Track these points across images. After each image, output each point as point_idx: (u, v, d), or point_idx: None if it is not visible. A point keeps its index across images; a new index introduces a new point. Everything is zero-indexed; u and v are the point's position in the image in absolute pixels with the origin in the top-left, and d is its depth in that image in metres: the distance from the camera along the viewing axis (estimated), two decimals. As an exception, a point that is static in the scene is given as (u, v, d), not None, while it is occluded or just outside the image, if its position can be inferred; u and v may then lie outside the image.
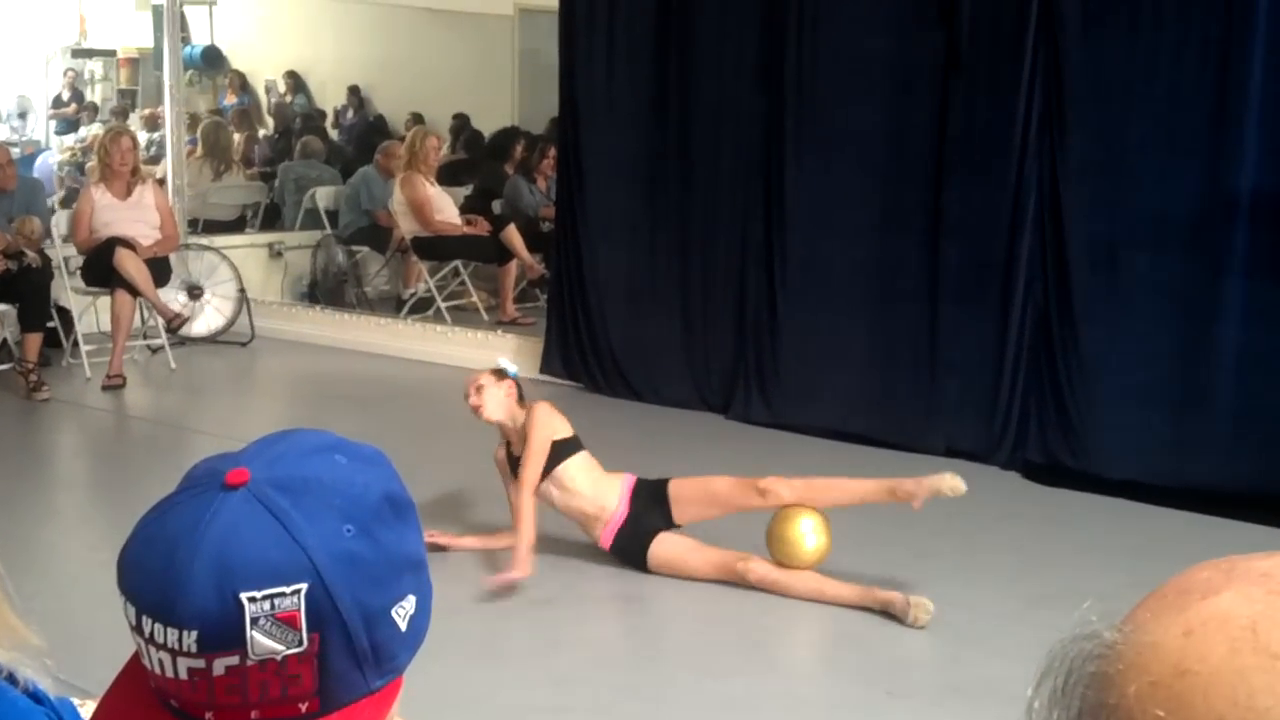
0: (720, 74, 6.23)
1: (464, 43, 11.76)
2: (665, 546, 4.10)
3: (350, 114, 12.58)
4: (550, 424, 4.11)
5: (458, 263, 8.68)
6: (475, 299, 8.67)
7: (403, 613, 0.90)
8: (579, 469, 4.13)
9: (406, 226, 8.48)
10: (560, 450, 4.11)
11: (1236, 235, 4.90)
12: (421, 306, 8.63)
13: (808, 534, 3.98)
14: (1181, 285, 5.04)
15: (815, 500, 3.99)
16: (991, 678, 3.47)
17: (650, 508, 4.13)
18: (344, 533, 0.87)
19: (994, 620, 3.85)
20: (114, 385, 6.91)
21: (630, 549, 4.14)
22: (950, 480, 3.85)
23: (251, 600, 0.83)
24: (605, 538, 4.14)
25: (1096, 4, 5.13)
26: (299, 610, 0.84)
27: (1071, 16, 5.17)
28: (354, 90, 12.56)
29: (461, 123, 11.36)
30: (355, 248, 9.16)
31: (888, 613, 3.84)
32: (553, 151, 8.80)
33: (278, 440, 0.94)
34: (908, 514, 4.50)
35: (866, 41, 5.73)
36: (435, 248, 8.52)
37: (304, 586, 0.84)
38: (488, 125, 10.75)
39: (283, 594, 0.84)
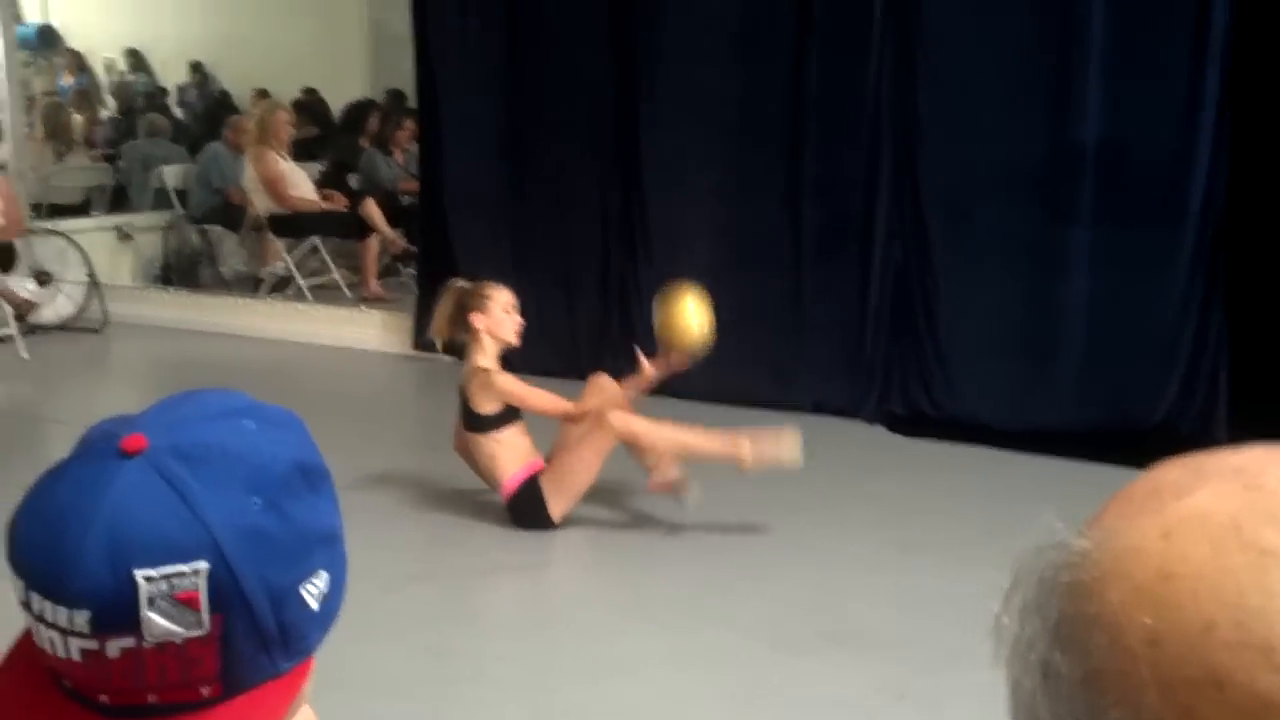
0: (572, 39, 6.21)
1: (309, 15, 11.49)
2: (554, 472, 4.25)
3: (194, 91, 12.24)
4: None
5: (316, 239, 8.51)
6: (336, 276, 8.52)
7: (314, 590, 0.86)
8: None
9: (261, 204, 8.30)
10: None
11: (1082, 186, 5.07)
12: (281, 286, 8.45)
13: (691, 317, 4.22)
14: (1031, 236, 5.19)
15: (654, 442, 4.14)
16: (867, 625, 3.57)
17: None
18: (250, 506, 0.82)
19: (866, 569, 3.94)
20: (-40, 378, 6.66)
21: (531, 493, 4.23)
22: (790, 447, 4.02)
23: (147, 579, 0.78)
24: (509, 485, 4.26)
25: (942, -38, 5.23)
26: (199, 590, 0.79)
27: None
28: (197, 66, 12.21)
29: (311, 97, 11.13)
30: (208, 227, 8.93)
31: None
32: (408, 123, 8.68)
33: (180, 403, 0.88)
34: (777, 470, 4.60)
35: (717, 5, 5.76)
36: (292, 224, 8.35)
37: (205, 565, 0.79)
38: (338, 98, 10.54)
39: (181, 573, 0.78)
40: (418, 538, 4.28)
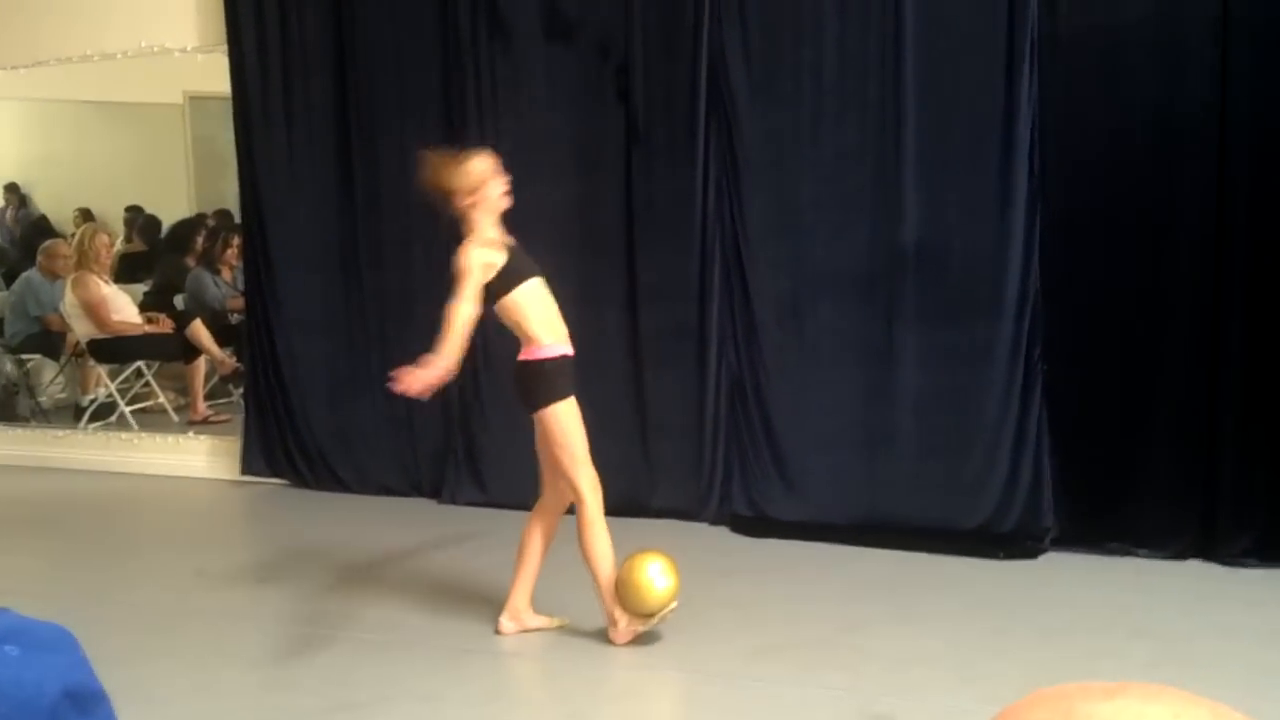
0: (404, 157, 6.16)
1: (132, 134, 11.25)
2: (565, 414, 4.12)
3: (9, 214, 11.84)
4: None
5: (140, 363, 8.24)
6: (163, 400, 8.24)
7: None
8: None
9: (81, 329, 8.01)
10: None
11: (905, 284, 5.20)
12: (104, 413, 8.14)
13: (656, 577, 4.06)
14: (860, 333, 5.30)
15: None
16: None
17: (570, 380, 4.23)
18: None
19: (719, 678, 3.90)
20: None
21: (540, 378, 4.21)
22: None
23: None
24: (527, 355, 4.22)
25: (760, 75, 5.37)
26: None
27: (739, 88, 5.40)
28: (12, 188, 11.81)
29: (135, 215, 10.86)
30: (26, 356, 8.58)
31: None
32: (236, 240, 8.51)
33: None
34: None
35: (548, 121, 5.80)
36: (115, 350, 8.07)
37: None
38: (164, 216, 10.31)
39: None
40: (251, 680, 4.09)
